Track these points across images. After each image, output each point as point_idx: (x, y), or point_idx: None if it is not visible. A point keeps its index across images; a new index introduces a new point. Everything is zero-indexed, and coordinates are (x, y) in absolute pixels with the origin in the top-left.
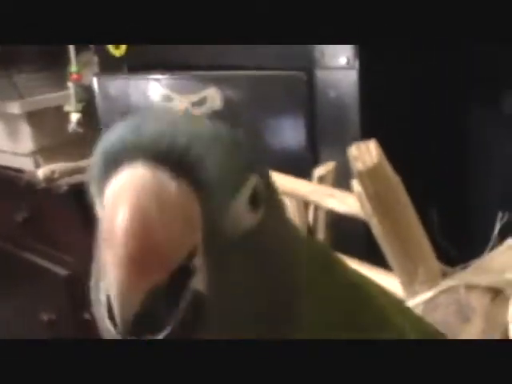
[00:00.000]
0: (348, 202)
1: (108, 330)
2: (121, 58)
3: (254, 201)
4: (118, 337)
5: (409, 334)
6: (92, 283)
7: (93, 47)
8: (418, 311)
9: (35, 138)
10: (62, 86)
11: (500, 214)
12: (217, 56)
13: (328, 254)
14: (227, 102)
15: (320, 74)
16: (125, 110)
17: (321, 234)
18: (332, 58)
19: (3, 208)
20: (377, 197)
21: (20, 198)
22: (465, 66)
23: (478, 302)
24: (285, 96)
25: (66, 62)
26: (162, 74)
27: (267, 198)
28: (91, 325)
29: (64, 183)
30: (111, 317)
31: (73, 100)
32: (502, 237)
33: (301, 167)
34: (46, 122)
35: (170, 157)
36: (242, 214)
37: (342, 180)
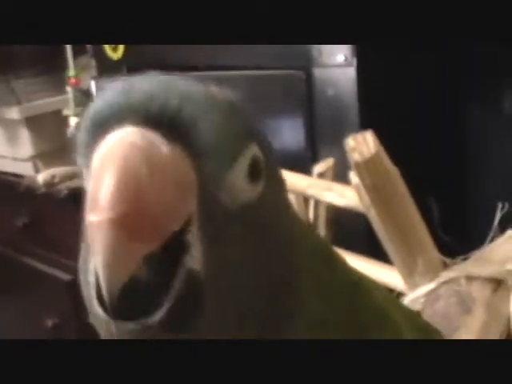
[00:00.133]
0: (346, 195)
1: (96, 314)
2: (119, 61)
3: (254, 172)
4: (107, 321)
5: (406, 330)
6: (80, 264)
7: (90, 51)
8: (419, 303)
9: (34, 143)
10: (60, 90)
11: (500, 205)
12: (215, 57)
13: (328, 249)
14: None
15: (318, 72)
16: None
17: (322, 230)
18: (330, 55)
19: (3, 213)
20: (375, 188)
21: (20, 203)
22: (464, 65)
23: (480, 293)
24: (283, 95)
25: (63, 66)
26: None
27: (267, 171)
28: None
29: (64, 187)
30: (100, 298)
31: (71, 104)
32: (503, 227)
33: (300, 165)
34: (44, 126)
35: (161, 119)
36: (240, 185)
37: (341, 177)
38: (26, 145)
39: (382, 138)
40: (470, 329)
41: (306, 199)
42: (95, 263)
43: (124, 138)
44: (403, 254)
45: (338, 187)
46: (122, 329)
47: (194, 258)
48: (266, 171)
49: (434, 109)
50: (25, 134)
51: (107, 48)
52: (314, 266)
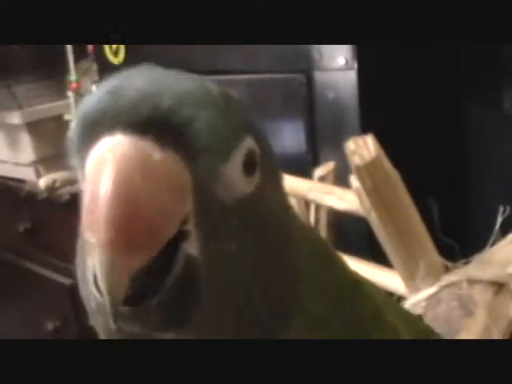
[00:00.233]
0: (347, 199)
1: (95, 312)
2: (120, 66)
3: (249, 165)
4: (106, 316)
5: (402, 332)
6: (77, 262)
7: (91, 55)
8: (421, 307)
9: (36, 148)
10: (61, 95)
11: (501, 208)
12: (216, 61)
13: (328, 249)
14: None
15: (319, 75)
16: None
17: (323, 234)
18: (330, 59)
19: (5, 218)
20: (375, 191)
21: (22, 208)
22: (464, 67)
23: (481, 296)
24: (284, 98)
25: (64, 70)
26: None
27: (263, 164)
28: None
29: (65, 192)
30: (99, 289)
31: (73, 109)
32: (504, 231)
33: (301, 169)
34: (46, 131)
35: (152, 123)
36: (236, 178)
37: (342, 180)
38: (27, 150)
39: (383, 141)
40: (471, 332)
41: (307, 203)
42: (96, 274)
43: (115, 151)
44: (404, 257)
45: (338, 191)
46: (122, 326)
47: (192, 245)
48: (261, 164)
49: (435, 112)
50: (26, 139)
51: (108, 52)
52: (314, 266)
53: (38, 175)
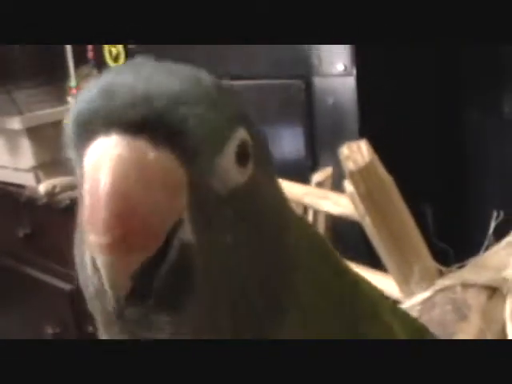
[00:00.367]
0: (342, 204)
1: (93, 297)
2: None
3: (242, 156)
4: (104, 302)
5: (397, 331)
6: (75, 244)
7: (91, 61)
8: (415, 311)
9: (36, 153)
10: (61, 100)
11: (495, 213)
12: (215, 66)
13: (325, 244)
14: None
15: (318, 81)
16: None
17: None
18: (329, 65)
19: (5, 224)
20: (369, 196)
21: (21, 213)
22: (464, 70)
23: (475, 300)
24: (283, 104)
25: (65, 76)
26: None
27: (256, 154)
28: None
29: (65, 197)
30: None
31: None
32: (499, 235)
33: (300, 174)
34: (46, 137)
35: (146, 123)
36: (229, 169)
37: (340, 186)
38: (27, 155)
39: (382, 146)
40: (465, 335)
41: (305, 208)
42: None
43: (111, 152)
44: (398, 261)
45: (333, 195)
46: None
47: (187, 232)
48: (254, 155)
49: (434, 117)
50: (26, 145)
51: (108, 58)
52: (311, 261)
53: (38, 180)
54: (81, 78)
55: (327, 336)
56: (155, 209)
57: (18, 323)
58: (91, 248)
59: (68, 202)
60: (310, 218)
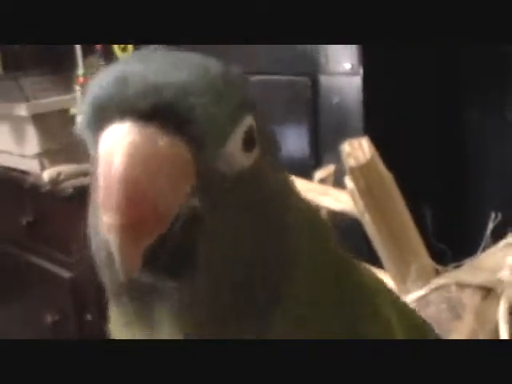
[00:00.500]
0: (342, 200)
1: (103, 253)
2: None
3: (248, 141)
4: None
5: (395, 325)
6: (89, 213)
7: (99, 51)
8: None
9: (41, 141)
10: (68, 88)
11: (493, 215)
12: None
13: (329, 233)
14: None
15: (324, 79)
16: None
17: None
18: (336, 63)
19: (8, 211)
20: (369, 193)
21: (25, 200)
22: (464, 70)
23: (469, 300)
24: (289, 101)
25: (72, 66)
26: None
27: (261, 140)
28: (93, 326)
29: (69, 185)
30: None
31: (79, 103)
32: (497, 236)
33: (304, 172)
34: (51, 124)
35: (157, 112)
36: (236, 154)
37: (343, 183)
38: (32, 142)
39: (386, 145)
40: (459, 334)
41: None
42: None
43: (125, 138)
44: (396, 259)
45: (334, 192)
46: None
47: (195, 200)
48: (260, 140)
49: (433, 118)
50: (31, 132)
51: (116, 48)
52: (313, 252)
53: (43, 168)
54: (88, 68)
55: (325, 327)
56: (165, 192)
57: (19, 310)
58: (104, 228)
59: (71, 190)
60: None
